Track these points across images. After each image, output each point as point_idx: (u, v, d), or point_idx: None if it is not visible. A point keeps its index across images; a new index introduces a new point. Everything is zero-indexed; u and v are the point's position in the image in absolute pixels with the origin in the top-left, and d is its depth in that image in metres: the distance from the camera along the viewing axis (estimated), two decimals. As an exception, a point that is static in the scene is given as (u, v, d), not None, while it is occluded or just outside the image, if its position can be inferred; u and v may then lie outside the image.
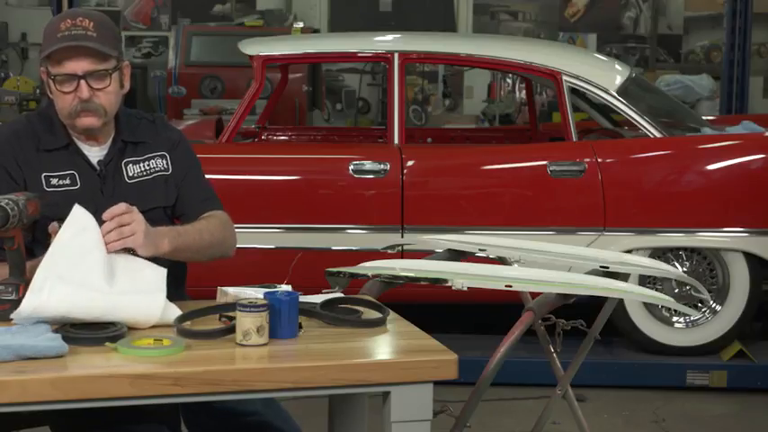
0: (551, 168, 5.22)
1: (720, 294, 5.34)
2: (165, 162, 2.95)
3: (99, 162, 2.86)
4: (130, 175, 2.89)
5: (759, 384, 5.20)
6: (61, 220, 2.59)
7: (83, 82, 2.75)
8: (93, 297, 2.43)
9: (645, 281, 5.15)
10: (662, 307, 5.35)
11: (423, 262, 3.28)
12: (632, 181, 5.27)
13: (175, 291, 2.70)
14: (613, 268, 3.22)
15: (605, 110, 6.03)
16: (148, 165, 2.92)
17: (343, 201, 5.27)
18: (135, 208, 2.64)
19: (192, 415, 2.86)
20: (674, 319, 5.39)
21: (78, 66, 2.75)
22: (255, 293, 2.60)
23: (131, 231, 2.59)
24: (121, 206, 2.61)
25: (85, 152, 2.87)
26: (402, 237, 5.19)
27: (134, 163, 2.91)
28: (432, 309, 4.83)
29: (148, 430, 2.69)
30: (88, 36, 2.74)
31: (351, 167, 5.25)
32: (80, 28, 2.74)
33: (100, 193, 2.84)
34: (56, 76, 2.76)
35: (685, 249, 5.34)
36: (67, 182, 2.81)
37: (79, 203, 2.62)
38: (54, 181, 2.81)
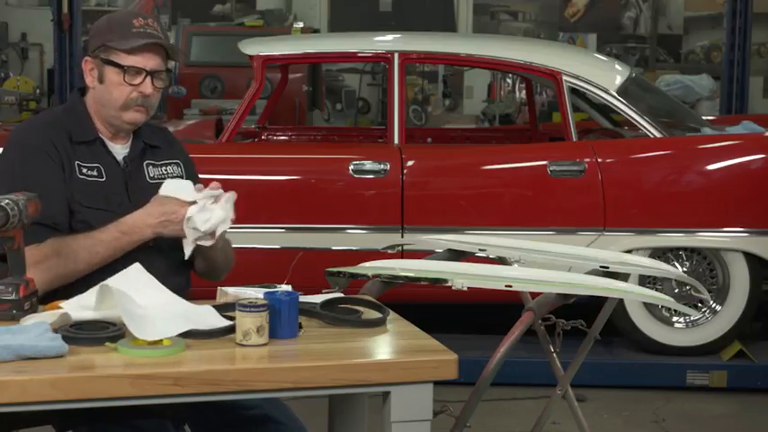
0: (551, 168, 5.22)
1: (720, 294, 5.34)
2: (180, 170, 3.07)
3: (124, 158, 2.97)
4: (151, 175, 3.00)
5: (759, 384, 5.20)
6: (89, 208, 2.83)
7: (149, 78, 2.89)
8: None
9: (645, 281, 5.15)
10: (662, 307, 5.35)
11: (423, 262, 3.28)
12: (632, 181, 5.27)
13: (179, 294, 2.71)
14: (613, 268, 3.22)
15: (605, 110, 6.03)
16: (166, 170, 3.04)
17: (343, 201, 5.27)
18: None
19: (193, 411, 2.86)
20: (674, 319, 5.39)
21: (149, 62, 2.89)
22: (255, 293, 2.60)
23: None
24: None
25: (110, 149, 2.97)
26: (402, 237, 5.19)
27: (153, 166, 3.02)
28: (432, 309, 4.83)
29: (152, 425, 2.70)
30: (160, 38, 2.91)
31: (351, 167, 5.25)
32: (152, 28, 2.91)
33: (125, 188, 2.94)
34: (127, 67, 2.87)
35: (685, 249, 5.35)
36: (95, 174, 2.90)
37: (106, 196, 2.87)
38: (84, 170, 2.90)
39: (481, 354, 3.59)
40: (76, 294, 2.57)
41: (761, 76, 11.29)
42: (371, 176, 5.24)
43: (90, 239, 2.79)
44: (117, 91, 2.90)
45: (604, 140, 5.58)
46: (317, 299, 2.66)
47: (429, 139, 6.53)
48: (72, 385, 2.15)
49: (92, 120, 2.96)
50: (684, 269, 5.31)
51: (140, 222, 2.80)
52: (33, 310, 2.52)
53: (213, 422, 2.84)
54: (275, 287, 2.70)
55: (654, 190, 5.26)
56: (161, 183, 2.98)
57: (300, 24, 10.53)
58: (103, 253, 2.77)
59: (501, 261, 3.48)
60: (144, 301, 2.48)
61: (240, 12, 11.85)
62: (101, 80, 2.92)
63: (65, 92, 7.64)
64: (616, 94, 5.37)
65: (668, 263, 5.13)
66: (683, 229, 5.26)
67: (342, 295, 2.79)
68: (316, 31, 10.77)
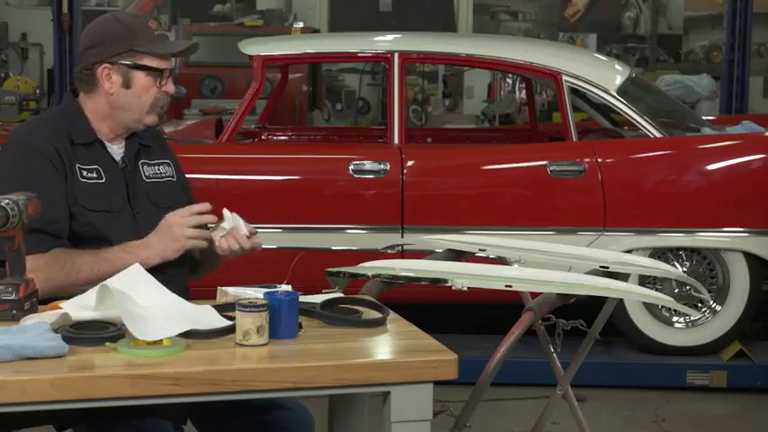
0: (551, 168, 5.22)
1: (720, 294, 5.34)
2: (171, 170, 3.10)
3: (122, 158, 2.99)
4: (147, 175, 3.02)
5: (759, 384, 5.20)
6: (92, 211, 2.85)
7: (170, 78, 2.98)
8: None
9: (645, 281, 5.15)
10: (662, 307, 5.35)
11: (423, 262, 3.28)
12: (632, 181, 5.27)
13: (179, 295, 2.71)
14: (613, 268, 3.22)
15: (605, 110, 6.03)
16: (159, 170, 3.06)
17: (343, 201, 5.27)
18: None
19: (197, 405, 2.85)
20: (674, 319, 5.39)
21: (170, 63, 2.98)
22: (255, 293, 2.60)
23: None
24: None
25: (108, 149, 2.98)
26: (402, 237, 5.19)
27: (148, 165, 3.04)
28: (432, 309, 4.83)
29: (152, 425, 2.70)
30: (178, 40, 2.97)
31: (351, 167, 5.25)
32: (162, 29, 3.01)
33: (125, 188, 2.96)
34: (163, 70, 2.94)
35: (685, 249, 5.35)
36: (95, 176, 2.91)
37: (107, 198, 2.89)
38: (85, 173, 2.91)
39: (481, 354, 3.60)
40: (76, 294, 2.58)
41: (761, 76, 11.29)
42: (371, 176, 5.24)
43: (94, 257, 2.81)
44: (147, 94, 2.94)
45: (604, 140, 5.58)
46: (317, 299, 2.66)
47: (429, 139, 6.53)
48: (72, 385, 2.15)
49: (89, 121, 2.97)
50: (684, 269, 5.31)
51: (148, 248, 2.84)
52: (33, 310, 2.52)
53: (219, 411, 2.84)
54: (275, 287, 2.70)
55: (654, 190, 5.26)
56: (156, 182, 3.02)
57: (300, 24, 10.52)
58: (104, 271, 2.76)
59: (501, 261, 3.48)
60: (144, 301, 2.48)
61: (240, 12, 11.85)
62: (127, 86, 2.93)
63: (65, 92, 7.64)
64: (616, 94, 5.37)
65: (668, 263, 5.13)
66: (683, 229, 5.26)
67: (342, 295, 2.79)
68: (316, 31, 10.77)
